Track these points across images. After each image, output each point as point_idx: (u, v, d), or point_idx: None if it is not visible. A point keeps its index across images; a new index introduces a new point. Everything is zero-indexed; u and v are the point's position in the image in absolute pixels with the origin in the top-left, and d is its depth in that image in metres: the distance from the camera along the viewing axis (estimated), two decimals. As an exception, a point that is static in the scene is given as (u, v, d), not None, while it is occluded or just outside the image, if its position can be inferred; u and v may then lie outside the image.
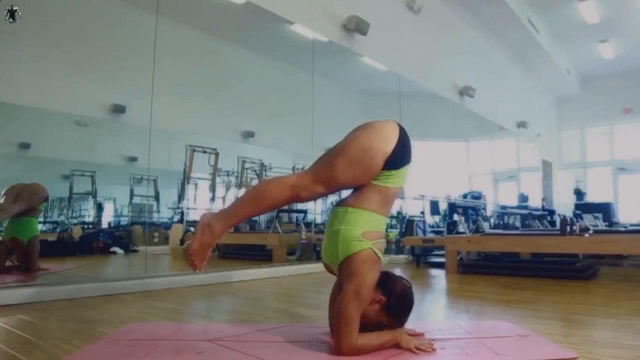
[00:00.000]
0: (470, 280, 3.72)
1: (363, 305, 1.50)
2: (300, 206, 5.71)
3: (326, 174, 1.56)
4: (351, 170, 1.55)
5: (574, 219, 4.16)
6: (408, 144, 1.64)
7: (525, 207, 8.25)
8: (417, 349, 1.50)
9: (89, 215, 4.82)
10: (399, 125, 1.65)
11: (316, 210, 5.97)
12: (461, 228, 4.77)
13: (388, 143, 1.57)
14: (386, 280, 1.59)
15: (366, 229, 1.56)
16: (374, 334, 1.55)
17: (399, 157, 1.58)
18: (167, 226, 5.46)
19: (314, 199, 1.63)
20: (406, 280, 1.65)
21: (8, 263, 3.37)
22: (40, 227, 4.15)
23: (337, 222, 1.59)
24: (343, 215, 1.58)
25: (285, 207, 5.34)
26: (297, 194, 1.57)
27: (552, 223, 7.17)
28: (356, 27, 4.81)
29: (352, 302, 1.48)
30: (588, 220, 5.75)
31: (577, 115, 11.68)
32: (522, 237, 4.26)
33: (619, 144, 11.29)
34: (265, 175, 6.04)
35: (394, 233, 6.13)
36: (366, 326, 1.55)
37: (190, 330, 1.84)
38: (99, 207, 4.89)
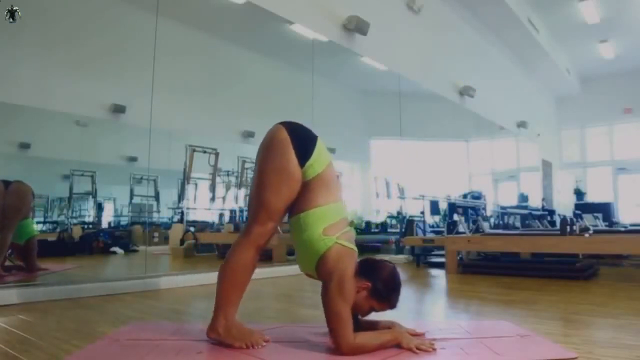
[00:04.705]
0: (470, 280, 3.72)
1: (349, 299, 1.51)
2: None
3: (264, 212, 1.62)
4: (281, 194, 1.60)
5: (574, 219, 4.16)
6: (300, 131, 1.68)
7: (525, 207, 8.24)
8: (418, 348, 1.50)
9: (89, 215, 4.82)
10: (283, 124, 1.68)
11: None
12: (461, 228, 4.77)
13: (287, 148, 1.61)
14: (368, 266, 1.61)
15: (324, 226, 1.58)
16: (374, 333, 1.56)
17: (304, 148, 1.62)
18: (167, 226, 5.46)
19: (273, 234, 1.68)
20: (388, 262, 1.66)
21: (8, 263, 3.37)
22: (40, 227, 4.15)
23: (297, 232, 1.63)
24: (298, 223, 1.62)
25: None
26: (258, 245, 1.64)
27: (552, 223, 7.16)
28: (356, 27, 4.81)
29: (337, 299, 1.49)
30: (588, 220, 5.75)
31: (577, 115, 11.67)
32: (522, 237, 4.26)
33: (619, 144, 11.28)
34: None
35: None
36: (359, 314, 1.57)
37: (190, 330, 1.84)
38: (99, 207, 4.89)
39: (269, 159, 1.64)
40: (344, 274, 1.53)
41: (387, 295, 1.59)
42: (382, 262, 1.65)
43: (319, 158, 1.64)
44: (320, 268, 1.58)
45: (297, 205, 1.63)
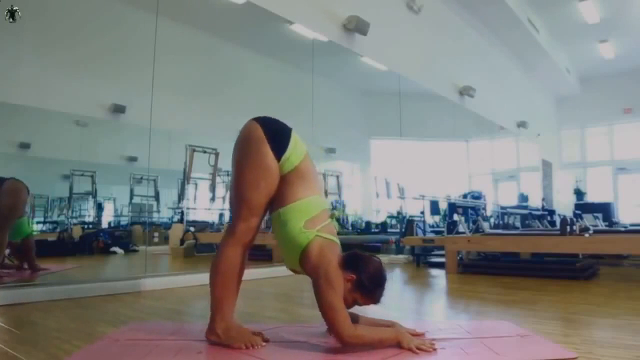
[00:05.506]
0: (470, 280, 3.72)
1: (339, 289, 1.52)
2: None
3: (246, 208, 1.62)
4: (259, 189, 1.61)
5: (574, 219, 4.16)
6: (274, 125, 1.69)
7: (525, 207, 8.24)
8: (418, 348, 1.50)
9: (89, 215, 4.82)
10: (256, 119, 1.69)
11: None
12: (461, 228, 4.77)
13: (262, 143, 1.61)
14: (354, 259, 1.61)
15: (305, 219, 1.59)
16: (375, 328, 1.56)
17: (279, 142, 1.63)
18: (167, 226, 5.46)
19: (258, 231, 1.68)
20: (375, 257, 1.66)
21: (7, 262, 3.37)
22: (40, 227, 4.15)
23: (278, 227, 1.63)
24: (278, 218, 1.62)
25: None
26: (244, 242, 1.64)
27: (552, 223, 7.16)
28: (356, 27, 4.81)
29: (328, 291, 1.50)
30: (588, 220, 5.74)
31: (577, 115, 11.67)
32: (522, 237, 4.26)
33: (619, 144, 11.27)
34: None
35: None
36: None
37: (190, 330, 1.84)
38: (99, 207, 4.88)
39: (245, 156, 1.64)
40: (329, 265, 1.53)
41: (371, 289, 1.58)
42: (368, 256, 1.65)
43: (295, 151, 1.64)
44: (305, 263, 1.59)
45: (277, 200, 1.64)
